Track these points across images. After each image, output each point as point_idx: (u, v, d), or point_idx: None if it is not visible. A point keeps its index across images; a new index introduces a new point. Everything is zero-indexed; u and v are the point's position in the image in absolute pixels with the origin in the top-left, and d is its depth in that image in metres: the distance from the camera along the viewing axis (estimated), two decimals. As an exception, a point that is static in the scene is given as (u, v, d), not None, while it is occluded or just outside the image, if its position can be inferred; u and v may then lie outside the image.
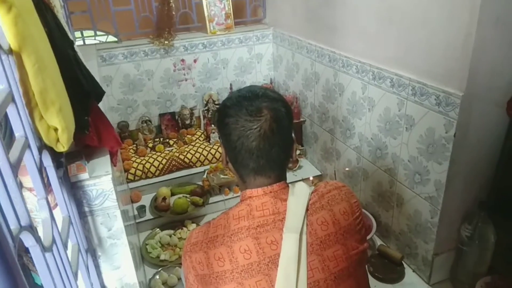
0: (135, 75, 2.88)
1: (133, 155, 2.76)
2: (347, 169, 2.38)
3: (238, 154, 0.87)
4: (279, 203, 0.86)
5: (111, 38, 4.17)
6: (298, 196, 0.86)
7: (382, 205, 2.11)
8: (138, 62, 2.86)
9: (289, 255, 0.80)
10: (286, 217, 0.83)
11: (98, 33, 3.03)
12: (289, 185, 0.91)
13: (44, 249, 0.71)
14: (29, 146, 0.76)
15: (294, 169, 2.76)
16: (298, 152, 2.75)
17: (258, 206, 0.86)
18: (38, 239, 0.68)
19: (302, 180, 2.58)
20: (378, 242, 2.14)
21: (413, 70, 1.72)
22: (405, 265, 1.97)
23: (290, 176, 2.68)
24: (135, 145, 2.86)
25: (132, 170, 2.60)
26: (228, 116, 0.87)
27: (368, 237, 2.00)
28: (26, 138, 0.75)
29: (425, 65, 1.64)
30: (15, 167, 0.64)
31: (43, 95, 0.80)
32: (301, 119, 2.83)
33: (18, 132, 0.74)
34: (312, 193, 0.89)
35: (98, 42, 3.89)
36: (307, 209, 0.85)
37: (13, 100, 0.72)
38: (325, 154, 2.64)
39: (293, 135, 0.93)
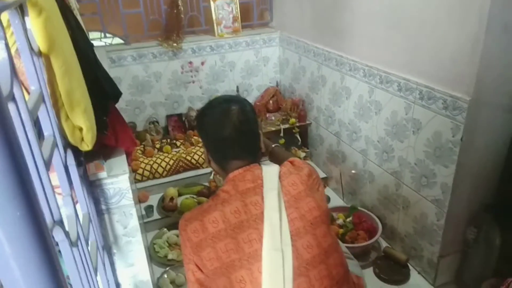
0: (143, 77, 2.91)
1: (140, 155, 2.79)
2: (353, 171, 2.41)
3: (217, 145, 1.09)
4: (256, 173, 1.06)
5: (116, 40, 4.20)
6: (271, 167, 1.08)
7: (388, 208, 2.13)
8: (147, 64, 2.89)
9: (272, 208, 0.98)
10: (263, 182, 1.03)
11: (102, 35, 3.06)
12: (262, 165, 1.11)
13: (71, 244, 0.74)
14: (56, 145, 0.79)
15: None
16: (303, 154, 2.78)
17: (240, 179, 1.05)
18: (67, 234, 0.71)
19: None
20: (384, 244, 2.17)
21: (420, 75, 1.75)
22: (410, 267, 1.99)
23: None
24: (142, 146, 2.89)
25: (140, 171, 2.63)
26: (206, 116, 1.10)
27: (373, 239, 2.03)
28: (54, 137, 0.78)
29: (433, 70, 1.67)
30: (48, 164, 0.67)
31: (70, 96, 0.84)
32: (307, 122, 2.86)
33: (47, 131, 0.77)
34: (280, 166, 1.10)
35: (105, 44, 3.93)
36: (279, 176, 1.05)
37: (43, 100, 0.75)
38: (331, 157, 2.67)
39: (259, 130, 1.15)
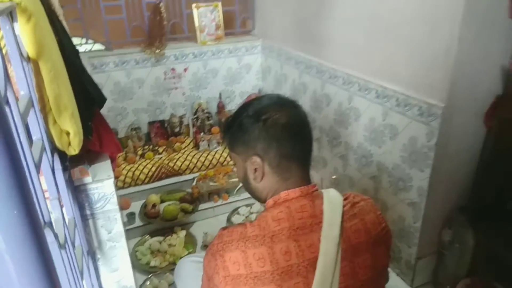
0: (125, 83, 2.91)
1: (122, 162, 2.77)
2: (334, 177, 2.46)
3: (277, 142, 0.90)
4: (316, 207, 0.88)
5: (97, 47, 4.18)
6: (333, 203, 0.89)
7: (368, 211, 2.19)
8: (129, 70, 2.89)
9: (327, 255, 0.83)
10: (323, 222, 0.86)
11: (84, 41, 3.04)
12: (323, 190, 0.94)
13: (60, 246, 0.75)
14: (45, 149, 0.80)
15: (282, 176, 2.82)
16: (285, 160, 2.82)
17: (297, 209, 0.87)
18: (56, 236, 0.72)
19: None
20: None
21: (397, 82, 1.82)
22: (388, 269, 2.04)
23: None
24: (124, 153, 2.88)
25: (122, 177, 2.62)
26: (262, 113, 0.92)
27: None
28: (43, 141, 0.79)
29: (408, 77, 1.75)
30: (38, 167, 0.68)
31: (58, 101, 0.85)
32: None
33: (35, 135, 0.78)
34: (343, 200, 0.92)
35: (85, 50, 3.90)
36: (342, 216, 0.87)
37: (32, 105, 0.77)
38: (312, 162, 2.71)
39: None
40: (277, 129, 0.91)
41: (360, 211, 0.91)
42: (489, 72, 1.61)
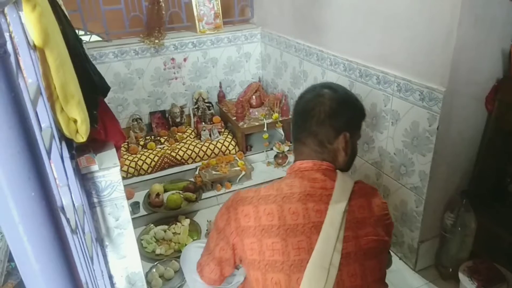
0: (125, 74, 2.91)
1: (124, 152, 2.79)
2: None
3: (294, 123, 1.05)
4: (328, 182, 0.97)
5: (94, 38, 4.16)
6: (345, 182, 0.98)
7: (370, 197, 2.21)
8: (129, 61, 2.89)
9: (332, 223, 0.91)
10: (333, 194, 0.94)
11: (81, 32, 3.03)
12: (338, 171, 1.01)
13: (72, 231, 0.77)
14: (53, 137, 0.81)
15: (284, 164, 2.84)
16: (287, 148, 2.84)
17: (310, 179, 0.97)
18: (68, 221, 0.74)
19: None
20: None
21: (398, 68, 1.82)
22: (392, 253, 2.07)
23: (279, 171, 2.76)
24: (126, 143, 2.89)
25: (125, 168, 2.64)
26: (303, 94, 1.07)
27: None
28: (52, 128, 0.80)
29: (409, 63, 1.75)
30: (49, 154, 0.69)
31: (64, 88, 0.86)
32: (290, 116, 2.91)
33: (44, 123, 0.79)
34: (354, 183, 1.01)
35: (83, 41, 3.88)
36: (351, 195, 0.96)
37: (40, 93, 0.77)
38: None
39: (345, 133, 1.01)
40: (294, 112, 1.06)
41: (366, 193, 1.00)
42: (489, 56, 1.62)
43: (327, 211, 0.92)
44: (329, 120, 0.99)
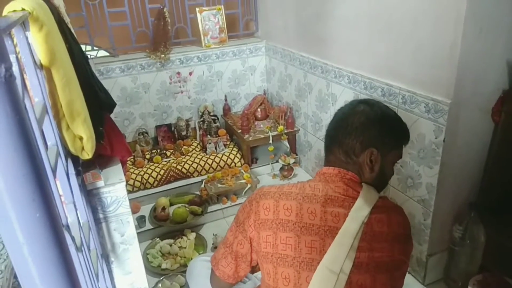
0: (132, 88, 2.94)
1: (130, 166, 2.80)
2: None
3: (327, 134, 1.10)
4: (350, 191, 0.98)
5: (101, 53, 4.23)
6: (371, 194, 0.98)
7: (377, 210, 2.19)
8: (135, 76, 2.92)
9: (349, 231, 0.91)
10: (356, 203, 0.95)
11: (89, 47, 3.08)
12: (365, 184, 1.01)
13: (77, 249, 0.77)
14: (59, 154, 0.82)
15: (290, 177, 2.83)
16: (292, 160, 2.83)
17: (332, 187, 0.98)
18: (73, 239, 0.74)
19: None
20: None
21: (402, 80, 1.82)
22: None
23: (285, 183, 2.75)
24: (132, 157, 2.90)
25: (131, 181, 2.64)
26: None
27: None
28: (57, 146, 0.81)
29: (414, 75, 1.75)
30: (55, 172, 0.70)
31: (70, 107, 0.87)
32: (295, 129, 2.91)
33: (50, 141, 0.80)
34: (379, 198, 1.00)
35: (90, 56, 3.94)
36: (372, 207, 0.95)
37: (46, 111, 0.78)
38: (319, 162, 2.72)
39: (372, 149, 1.00)
40: (330, 122, 1.11)
41: (389, 209, 0.99)
42: (495, 67, 1.61)
43: (345, 218, 0.93)
44: (356, 132, 1.00)
